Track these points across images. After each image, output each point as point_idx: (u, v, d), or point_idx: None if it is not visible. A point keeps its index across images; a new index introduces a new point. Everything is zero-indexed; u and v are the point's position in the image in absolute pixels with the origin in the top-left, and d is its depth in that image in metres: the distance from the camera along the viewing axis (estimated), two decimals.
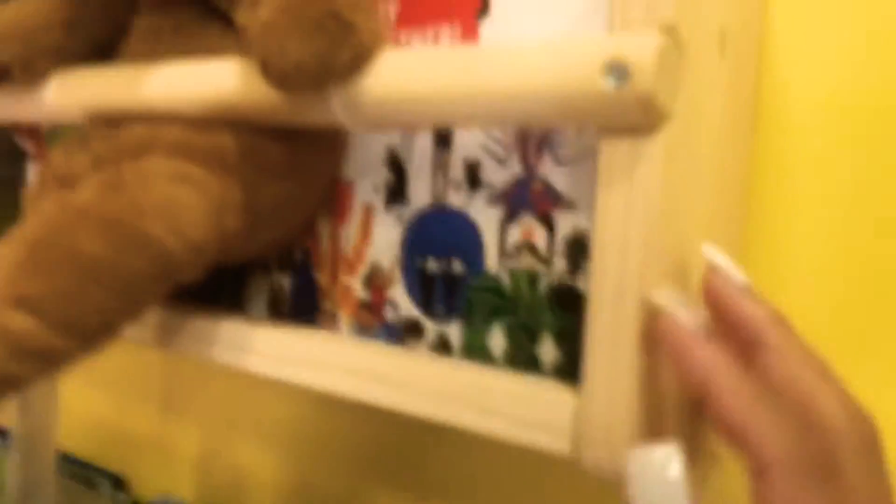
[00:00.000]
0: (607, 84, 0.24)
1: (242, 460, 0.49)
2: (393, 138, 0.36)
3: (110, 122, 0.38)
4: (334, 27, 0.28)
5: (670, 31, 0.24)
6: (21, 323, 0.29)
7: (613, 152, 0.25)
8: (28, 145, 0.50)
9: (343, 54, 0.29)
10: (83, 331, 0.30)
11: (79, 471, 0.55)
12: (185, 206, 0.32)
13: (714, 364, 0.23)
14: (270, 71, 0.29)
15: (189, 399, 0.52)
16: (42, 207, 0.32)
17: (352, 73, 0.29)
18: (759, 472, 0.22)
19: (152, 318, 0.39)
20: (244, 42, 0.31)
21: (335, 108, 0.31)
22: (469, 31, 0.33)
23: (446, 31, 0.34)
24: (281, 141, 0.35)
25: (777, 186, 0.33)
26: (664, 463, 0.23)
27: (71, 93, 0.40)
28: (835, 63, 0.32)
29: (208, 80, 0.34)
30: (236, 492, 0.49)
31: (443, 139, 0.34)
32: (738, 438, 0.23)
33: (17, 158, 0.51)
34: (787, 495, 0.22)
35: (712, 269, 0.25)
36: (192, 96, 0.34)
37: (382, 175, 0.36)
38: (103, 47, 0.41)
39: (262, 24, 0.29)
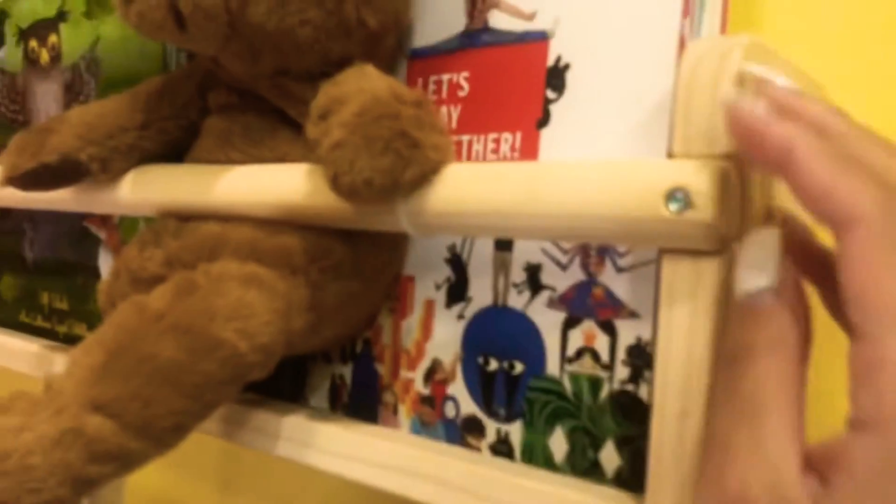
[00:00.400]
0: (670, 210, 0.25)
1: None
2: (454, 237, 0.37)
3: (181, 217, 0.40)
4: (401, 146, 0.30)
5: (731, 159, 0.25)
6: (99, 426, 0.30)
7: (675, 272, 0.26)
8: (100, 232, 0.52)
9: (409, 171, 0.30)
10: (157, 433, 0.31)
11: None
12: (255, 309, 0.33)
13: (796, 132, 0.22)
14: (340, 185, 0.30)
15: (247, 480, 0.53)
16: (118, 310, 0.34)
17: (417, 187, 0.31)
18: (847, 226, 0.20)
19: (218, 410, 0.40)
20: (314, 154, 0.32)
21: (400, 218, 0.32)
22: (529, 140, 0.34)
23: (507, 138, 0.35)
24: (345, 242, 0.36)
25: None
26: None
27: (145, 189, 0.42)
28: None
29: (278, 184, 0.35)
30: None
31: (504, 241, 0.35)
32: (826, 197, 0.21)
33: (87, 244, 0.53)
34: (876, 251, 0.20)
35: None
36: (262, 199, 0.36)
37: (444, 273, 0.37)
38: (175, 147, 0.43)
39: (333, 143, 0.30)
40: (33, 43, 0.55)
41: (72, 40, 0.52)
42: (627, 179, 0.26)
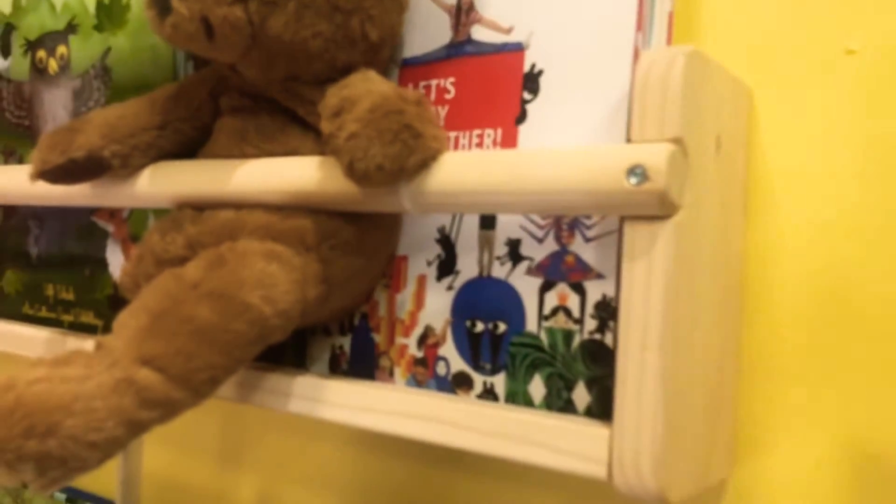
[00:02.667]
0: (630, 183, 0.31)
1: None
2: (444, 219, 0.43)
3: (198, 207, 0.45)
4: (407, 136, 0.35)
5: (677, 142, 0.31)
6: (147, 377, 0.35)
7: (634, 235, 0.32)
8: (109, 226, 0.56)
9: (413, 158, 0.36)
10: (196, 384, 0.37)
11: None
12: (277, 280, 0.39)
13: None
14: (355, 171, 0.36)
15: (245, 451, 0.58)
16: (157, 281, 0.39)
17: (419, 172, 0.36)
18: None
19: (234, 376, 0.45)
20: (329, 146, 0.38)
21: (403, 199, 0.38)
22: (508, 135, 0.41)
23: (490, 133, 0.41)
24: (351, 223, 0.42)
25: (765, 259, 0.40)
26: None
27: (163, 183, 0.47)
28: (814, 153, 0.39)
29: (292, 173, 0.41)
30: None
31: (488, 221, 0.41)
32: None
33: (95, 237, 0.57)
34: None
35: None
36: (277, 187, 0.41)
37: (434, 251, 0.43)
38: (189, 146, 0.48)
39: (349, 134, 0.36)
40: (41, 53, 0.60)
41: (82, 51, 0.57)
42: (595, 160, 0.32)
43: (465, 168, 0.36)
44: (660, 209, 0.31)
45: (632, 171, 0.31)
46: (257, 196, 0.42)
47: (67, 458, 0.33)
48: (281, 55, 0.41)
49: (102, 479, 0.64)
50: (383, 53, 0.44)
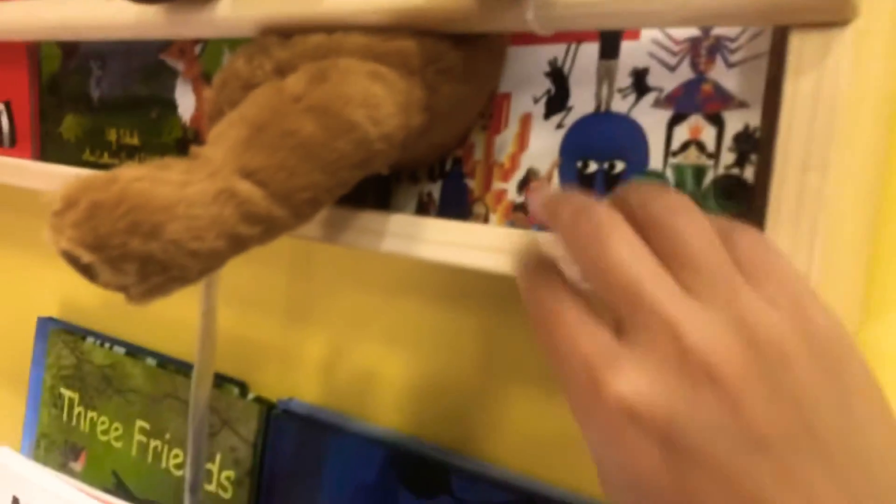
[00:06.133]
0: None
1: (367, 362, 0.53)
2: (556, 50, 0.39)
3: (283, 34, 0.42)
4: None
5: None
6: (248, 190, 0.33)
7: (803, 44, 0.29)
8: (179, 64, 0.53)
9: None
10: (297, 203, 0.34)
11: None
12: (381, 100, 0.36)
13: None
14: None
15: (312, 312, 0.56)
16: (256, 92, 0.36)
17: None
18: None
19: (319, 215, 0.42)
20: None
21: (527, 14, 0.34)
22: None
23: None
24: (459, 47, 0.38)
25: None
26: None
27: (246, 7, 0.43)
28: None
29: None
30: (362, 394, 0.53)
31: (610, 48, 0.37)
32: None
33: (163, 77, 0.54)
34: None
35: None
36: (379, 5, 0.38)
37: (543, 86, 0.40)
38: None
39: None
40: None
41: None
42: None
43: None
44: (838, 13, 0.28)
45: None
46: (355, 16, 0.39)
47: (169, 264, 0.31)
48: None
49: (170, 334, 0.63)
50: None
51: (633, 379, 0.23)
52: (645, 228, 0.25)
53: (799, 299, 0.23)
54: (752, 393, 0.22)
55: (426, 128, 0.39)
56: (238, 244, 0.33)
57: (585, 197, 0.26)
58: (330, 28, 0.40)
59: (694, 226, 0.25)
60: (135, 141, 0.57)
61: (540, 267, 0.27)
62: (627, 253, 0.24)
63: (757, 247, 0.25)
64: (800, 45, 0.29)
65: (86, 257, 0.29)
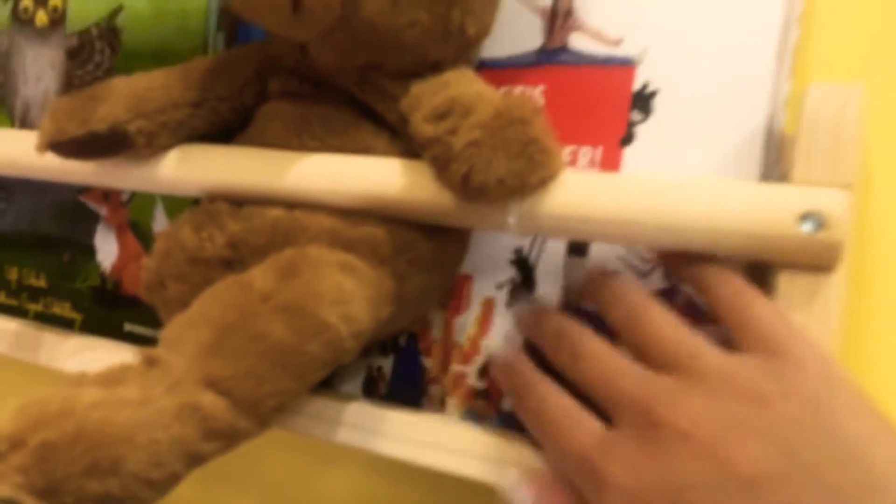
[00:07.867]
0: (802, 230, 0.28)
1: None
2: (521, 240, 0.39)
3: (233, 201, 0.39)
4: (534, 151, 0.32)
5: (849, 187, 0.29)
6: (212, 403, 0.30)
7: (792, 287, 0.30)
8: (101, 208, 0.49)
9: (536, 175, 0.32)
10: (263, 412, 0.32)
11: None
12: (354, 296, 0.34)
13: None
14: (471, 182, 0.32)
15: (244, 472, 0.52)
16: (218, 287, 0.33)
17: (537, 191, 0.33)
18: None
19: None
20: (429, 151, 0.33)
21: (509, 217, 0.34)
22: (611, 156, 0.37)
23: (586, 152, 0.38)
24: (428, 236, 0.37)
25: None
26: None
27: (194, 169, 0.41)
28: None
29: (371, 176, 0.36)
30: None
31: (578, 248, 0.37)
32: None
33: (81, 219, 0.51)
34: None
35: None
36: (350, 189, 0.36)
37: (507, 273, 0.39)
38: (222, 128, 0.42)
39: (469, 141, 0.32)
40: (26, 2, 0.52)
41: (83, 5, 0.50)
42: (759, 199, 0.29)
43: (593, 191, 0.32)
44: (828, 261, 0.29)
45: (805, 216, 0.28)
46: (322, 196, 0.37)
47: (126, 499, 0.27)
48: (368, 41, 0.36)
49: None
50: (472, 52, 0.39)
51: (626, 466, 0.26)
52: (616, 326, 0.32)
53: (773, 338, 0.27)
54: (727, 441, 0.25)
55: (393, 318, 0.37)
56: (196, 462, 0.30)
57: (560, 317, 0.34)
58: (289, 203, 0.38)
59: (655, 313, 0.31)
60: (41, 283, 0.52)
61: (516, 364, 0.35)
62: (600, 358, 0.31)
63: (739, 297, 0.30)
64: (789, 287, 0.30)
65: None
